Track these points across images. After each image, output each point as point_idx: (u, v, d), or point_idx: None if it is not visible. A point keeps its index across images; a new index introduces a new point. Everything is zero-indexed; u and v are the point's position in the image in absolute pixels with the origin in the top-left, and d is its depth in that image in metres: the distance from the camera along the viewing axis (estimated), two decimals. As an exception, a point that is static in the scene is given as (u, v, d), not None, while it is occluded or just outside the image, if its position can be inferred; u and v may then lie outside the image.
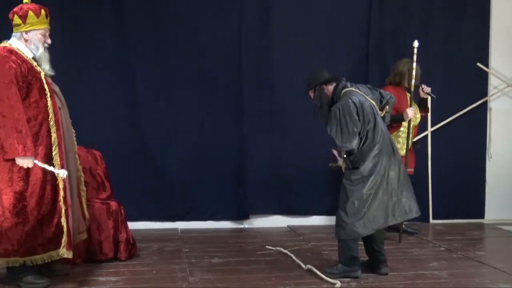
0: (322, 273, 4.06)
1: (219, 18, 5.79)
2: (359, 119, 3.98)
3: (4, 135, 3.53)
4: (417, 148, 5.70)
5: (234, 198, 5.89)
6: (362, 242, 4.21)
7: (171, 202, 5.77)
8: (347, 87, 4.16)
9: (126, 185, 5.43)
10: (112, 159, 5.03)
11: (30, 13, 3.72)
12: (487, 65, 6.30)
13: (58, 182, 3.70)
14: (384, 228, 4.18)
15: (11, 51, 3.68)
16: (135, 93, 5.69)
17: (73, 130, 4.05)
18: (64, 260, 3.97)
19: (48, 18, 3.83)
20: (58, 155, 3.71)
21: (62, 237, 3.74)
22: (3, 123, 3.52)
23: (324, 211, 5.96)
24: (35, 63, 3.75)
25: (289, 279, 4.04)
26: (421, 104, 5.46)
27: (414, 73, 5.17)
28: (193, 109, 5.78)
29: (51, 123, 3.71)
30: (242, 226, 5.97)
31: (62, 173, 3.56)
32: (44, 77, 3.75)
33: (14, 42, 3.77)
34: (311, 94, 4.26)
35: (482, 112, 6.35)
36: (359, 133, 4.00)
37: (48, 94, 3.72)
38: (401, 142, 5.36)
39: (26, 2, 3.79)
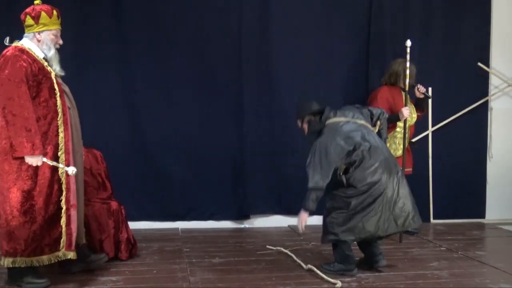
0: (323, 273, 4.06)
1: (219, 18, 5.79)
2: (348, 150, 3.97)
3: (13, 133, 3.56)
4: (415, 148, 5.70)
5: (234, 198, 5.89)
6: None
7: (171, 202, 5.77)
8: (330, 118, 4.16)
9: (126, 185, 5.44)
10: (112, 159, 5.03)
11: (43, 14, 3.77)
12: (487, 65, 6.30)
13: (62, 182, 3.71)
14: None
15: (22, 51, 3.71)
16: (135, 93, 5.68)
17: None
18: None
19: (60, 19, 3.88)
20: (64, 155, 3.73)
21: (61, 238, 3.74)
22: (13, 122, 3.55)
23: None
24: (46, 63, 3.78)
25: (289, 279, 4.04)
26: (418, 104, 5.46)
27: (408, 72, 5.18)
28: (193, 109, 5.78)
29: (60, 122, 3.74)
30: (242, 226, 5.97)
31: (71, 170, 3.60)
32: (55, 77, 3.78)
33: (26, 43, 3.80)
34: (299, 123, 4.33)
35: (482, 112, 6.35)
36: (351, 163, 4.00)
37: (58, 94, 3.75)
38: (397, 142, 5.35)
39: (37, 3, 3.82)
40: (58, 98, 3.74)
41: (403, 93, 5.29)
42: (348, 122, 4.12)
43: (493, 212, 6.35)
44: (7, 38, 3.78)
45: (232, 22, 5.83)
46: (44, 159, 3.61)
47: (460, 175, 6.25)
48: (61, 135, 3.73)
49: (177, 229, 5.72)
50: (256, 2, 5.87)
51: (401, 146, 5.32)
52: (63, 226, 3.72)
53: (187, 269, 4.27)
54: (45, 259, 3.71)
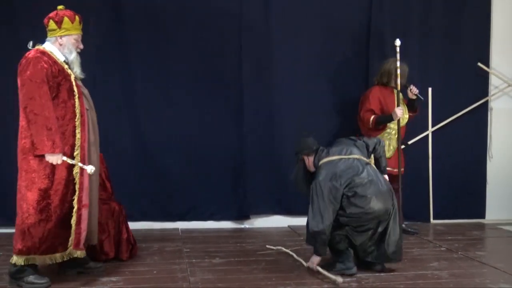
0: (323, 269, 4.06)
1: (219, 18, 5.79)
2: (342, 189, 3.97)
3: (35, 132, 3.63)
4: (408, 148, 5.71)
5: (234, 198, 5.90)
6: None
7: (171, 202, 5.77)
8: (323, 159, 4.17)
9: (126, 185, 5.43)
10: (112, 159, 5.03)
11: (66, 19, 3.86)
12: (487, 65, 6.30)
13: (76, 182, 3.78)
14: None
15: (44, 53, 3.80)
16: (135, 93, 5.69)
17: None
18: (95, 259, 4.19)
19: (81, 24, 3.96)
20: (79, 155, 3.79)
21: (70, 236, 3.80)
22: (34, 120, 3.63)
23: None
24: (66, 66, 3.86)
25: (289, 279, 4.03)
26: (410, 105, 5.45)
27: (399, 72, 5.17)
28: (193, 109, 5.78)
29: (77, 123, 3.81)
30: (242, 226, 5.98)
31: (89, 169, 3.68)
32: (74, 80, 3.86)
33: (47, 46, 3.88)
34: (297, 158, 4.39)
35: (482, 112, 6.35)
36: (347, 196, 3.99)
37: (77, 96, 3.83)
38: (387, 143, 5.33)
39: (60, 9, 3.92)
40: (76, 100, 3.83)
41: (396, 93, 5.29)
42: (341, 159, 4.12)
43: (493, 212, 6.35)
44: (31, 42, 3.89)
45: (232, 22, 5.83)
46: (64, 158, 3.68)
47: (460, 175, 6.25)
48: (78, 135, 3.81)
49: (177, 229, 5.72)
50: (256, 2, 5.87)
51: (391, 147, 5.33)
52: (73, 224, 3.79)
53: (187, 269, 4.27)
54: (58, 257, 3.79)
